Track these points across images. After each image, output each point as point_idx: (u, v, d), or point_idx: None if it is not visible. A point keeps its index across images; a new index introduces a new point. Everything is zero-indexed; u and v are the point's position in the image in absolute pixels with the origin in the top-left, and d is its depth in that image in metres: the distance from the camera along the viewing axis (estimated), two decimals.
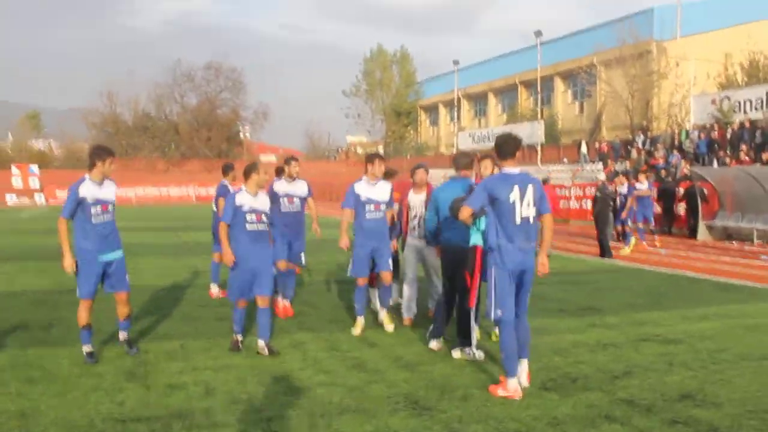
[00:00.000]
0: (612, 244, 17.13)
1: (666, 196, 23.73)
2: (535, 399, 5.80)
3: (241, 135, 76.34)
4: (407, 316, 8.69)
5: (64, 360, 6.94)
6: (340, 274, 12.51)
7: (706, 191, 21.91)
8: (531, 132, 45.27)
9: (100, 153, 7.04)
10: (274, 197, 9.06)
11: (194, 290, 11.42)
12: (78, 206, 6.80)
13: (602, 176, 17.94)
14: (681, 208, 23.08)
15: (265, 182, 7.58)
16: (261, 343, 7.29)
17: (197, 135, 69.76)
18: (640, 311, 9.67)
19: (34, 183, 55.15)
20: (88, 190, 6.86)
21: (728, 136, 29.39)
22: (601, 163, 35.44)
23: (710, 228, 21.53)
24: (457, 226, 6.85)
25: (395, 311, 8.94)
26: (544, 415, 5.40)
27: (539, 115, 46.08)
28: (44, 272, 13.29)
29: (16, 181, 55.23)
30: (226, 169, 10.73)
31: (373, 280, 8.86)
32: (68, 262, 6.75)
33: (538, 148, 42.97)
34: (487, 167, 7.52)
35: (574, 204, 29.05)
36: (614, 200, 18.12)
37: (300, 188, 9.51)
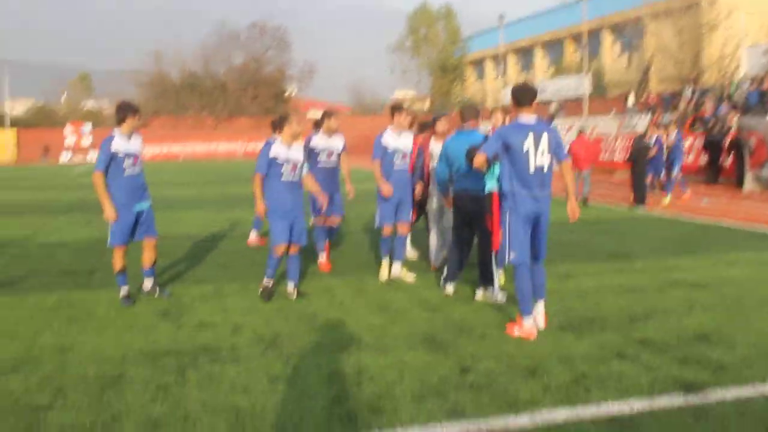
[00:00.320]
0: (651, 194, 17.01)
1: (713, 148, 23.30)
2: (550, 338, 5.93)
3: (288, 92, 76.72)
4: (435, 264, 8.84)
5: (103, 302, 7.34)
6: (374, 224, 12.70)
7: (753, 141, 21.39)
8: (577, 84, 44.45)
9: (129, 108, 7.34)
10: (311, 151, 9.02)
11: (232, 241, 11.76)
12: (111, 161, 7.10)
13: (641, 127, 17.63)
14: (728, 159, 22.63)
15: (299, 133, 7.63)
16: (291, 286, 7.55)
17: (244, 93, 70.29)
18: (670, 257, 9.66)
19: (87, 141, 56.54)
20: (119, 144, 7.16)
21: None
22: (648, 115, 34.72)
23: (757, 178, 21.06)
24: (472, 174, 6.97)
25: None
26: (556, 352, 5.54)
27: (586, 69, 45.08)
28: (90, 223, 13.82)
29: (70, 139, 56.74)
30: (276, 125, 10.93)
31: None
32: (110, 212, 7.06)
33: (585, 100, 42.16)
34: (498, 118, 7.60)
35: (618, 156, 28.69)
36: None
37: (338, 142, 9.26)
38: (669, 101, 35.01)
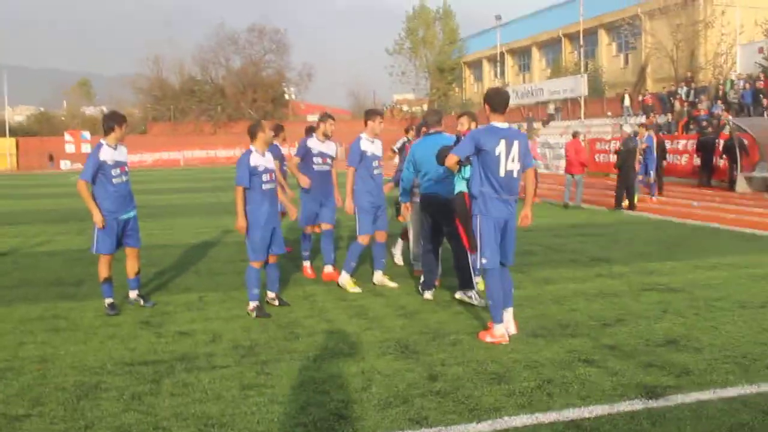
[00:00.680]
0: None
1: (705, 148, 23.38)
2: (521, 344, 6.05)
3: (286, 96, 76.97)
4: (417, 268, 8.92)
5: (88, 312, 7.47)
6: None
7: (746, 142, 21.50)
8: (574, 85, 44.55)
9: (116, 118, 7.52)
10: (307, 155, 9.02)
11: (222, 248, 11.89)
12: (98, 170, 7.25)
13: (628, 129, 17.68)
14: (720, 160, 22.72)
15: (271, 140, 7.65)
16: (272, 294, 7.65)
17: (243, 97, 70.56)
18: (652, 261, 9.77)
19: (87, 149, 56.73)
20: (107, 153, 7.32)
21: None
22: (644, 116, 34.82)
23: (749, 180, 21.16)
24: (441, 179, 7.10)
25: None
26: (525, 358, 5.65)
27: (582, 69, 45.21)
28: (83, 233, 13.94)
29: (69, 147, 56.99)
30: (276, 130, 11.13)
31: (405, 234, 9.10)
32: (99, 217, 7.23)
33: (582, 102, 42.26)
34: (463, 123, 7.74)
35: (614, 158, 28.71)
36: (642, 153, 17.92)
37: (332, 148, 9.25)
38: (665, 101, 35.13)
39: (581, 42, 44.85)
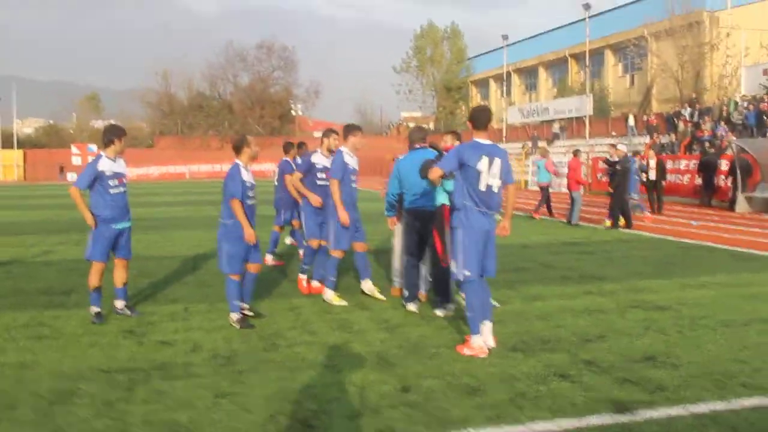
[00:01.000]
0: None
1: (707, 168, 23.36)
2: (499, 358, 6.05)
3: (294, 112, 77.43)
4: (397, 285, 8.74)
5: (73, 320, 7.51)
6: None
7: (748, 163, 21.47)
8: (579, 105, 44.69)
9: (116, 132, 7.74)
10: (310, 169, 8.98)
11: (215, 260, 11.82)
12: (96, 180, 7.40)
13: (623, 148, 17.51)
14: (722, 181, 22.70)
15: (257, 155, 7.60)
16: (244, 305, 7.51)
17: (251, 113, 71.09)
18: (643, 279, 9.75)
19: None
20: (105, 164, 7.52)
21: None
22: (648, 137, 34.87)
23: (750, 200, 21.12)
24: (426, 193, 7.17)
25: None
26: (500, 372, 5.65)
27: (588, 89, 45.32)
28: (81, 243, 13.97)
29: (76, 159, 57.43)
30: (287, 147, 11.36)
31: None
32: (90, 220, 7.38)
33: (587, 121, 42.35)
34: (447, 140, 7.92)
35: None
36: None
37: None
38: (670, 121, 35.17)
39: (587, 62, 45.00)
